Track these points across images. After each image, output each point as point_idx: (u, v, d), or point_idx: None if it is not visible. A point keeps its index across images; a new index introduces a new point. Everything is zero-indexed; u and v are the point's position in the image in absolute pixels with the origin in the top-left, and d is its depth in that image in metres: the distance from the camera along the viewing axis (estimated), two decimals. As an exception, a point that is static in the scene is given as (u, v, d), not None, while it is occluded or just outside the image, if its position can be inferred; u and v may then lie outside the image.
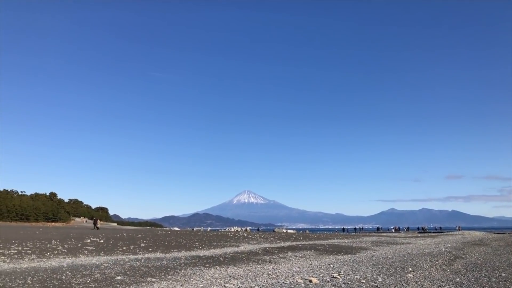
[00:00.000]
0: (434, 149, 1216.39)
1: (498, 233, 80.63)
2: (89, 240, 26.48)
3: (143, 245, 25.24)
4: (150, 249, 22.91)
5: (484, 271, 17.63)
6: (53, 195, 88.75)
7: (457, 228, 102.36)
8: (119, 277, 12.73)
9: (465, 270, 17.69)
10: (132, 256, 19.09)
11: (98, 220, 53.98)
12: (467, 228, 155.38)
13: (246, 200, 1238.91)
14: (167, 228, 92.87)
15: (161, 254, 20.80)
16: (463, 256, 25.04)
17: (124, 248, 22.99)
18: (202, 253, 21.92)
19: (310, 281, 13.23)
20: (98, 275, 13.08)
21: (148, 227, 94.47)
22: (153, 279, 12.77)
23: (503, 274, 16.66)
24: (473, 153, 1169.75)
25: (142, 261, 17.25)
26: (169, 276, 13.47)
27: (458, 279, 14.95)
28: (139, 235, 34.62)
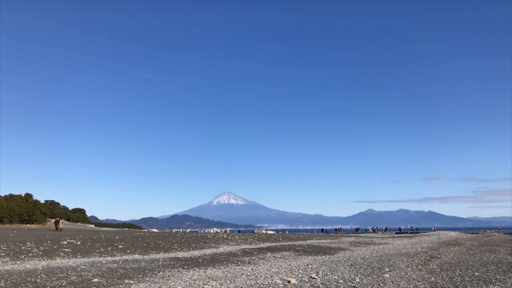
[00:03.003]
0: (411, 151, 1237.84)
1: (472, 233, 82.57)
2: (65, 242, 26.02)
3: (121, 246, 24.95)
4: (128, 251, 22.67)
5: (458, 270, 18.04)
6: (28, 196, 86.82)
7: (433, 228, 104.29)
8: (96, 279, 12.56)
9: (440, 270, 18.06)
10: (109, 258, 18.86)
11: (61, 221, 49.95)
12: (443, 228, 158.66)
13: (226, 201, 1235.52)
14: (146, 230, 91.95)
15: (139, 255, 20.60)
16: (438, 256, 25.55)
17: (102, 250, 22.69)
18: (180, 254, 21.80)
19: (289, 281, 13.31)
20: (75, 277, 12.88)
21: (126, 229, 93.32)
22: (131, 281, 12.65)
23: (476, 273, 17.08)
24: (449, 155, 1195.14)
25: (120, 263, 17.06)
26: (147, 278, 13.36)
27: (433, 279, 15.26)
28: (117, 237, 34.20)
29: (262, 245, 30.86)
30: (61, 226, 47.74)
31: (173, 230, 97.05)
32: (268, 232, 70.15)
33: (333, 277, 14.78)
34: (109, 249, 23.22)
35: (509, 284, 14.54)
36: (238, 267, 17.09)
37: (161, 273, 14.64)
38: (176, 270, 15.58)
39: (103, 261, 17.38)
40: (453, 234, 75.21)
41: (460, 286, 13.73)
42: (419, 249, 30.41)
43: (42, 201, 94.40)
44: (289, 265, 18.50)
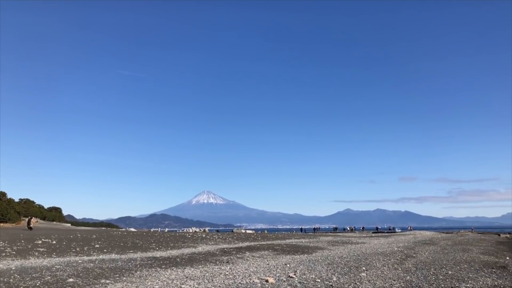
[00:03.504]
0: (388, 152, 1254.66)
1: (446, 233, 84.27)
2: (40, 242, 25.52)
3: (97, 246, 24.61)
4: (105, 250, 22.38)
5: (432, 269, 18.42)
6: (2, 194, 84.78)
7: (409, 228, 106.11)
8: (71, 279, 12.37)
9: (415, 269, 18.41)
10: (85, 258, 18.58)
11: (32, 219, 47.98)
12: (419, 228, 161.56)
13: (205, 201, 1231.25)
14: (123, 229, 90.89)
15: (116, 255, 20.36)
16: (414, 255, 26.01)
17: (78, 249, 22.34)
18: (158, 254, 21.64)
19: (267, 281, 13.37)
20: (49, 277, 12.65)
21: (103, 228, 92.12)
22: (107, 281, 12.50)
23: (450, 272, 17.48)
24: (425, 156, 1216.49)
25: (96, 262, 16.83)
26: (124, 278, 13.23)
27: (408, 277, 15.55)
28: (94, 236, 33.70)
29: (241, 244, 30.87)
30: (31, 225, 46.02)
31: (151, 230, 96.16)
32: (247, 231, 70.19)
33: (311, 276, 14.91)
34: (85, 248, 22.88)
35: (481, 283, 14.94)
36: (216, 267, 17.06)
37: (138, 272, 14.51)
38: (153, 269, 15.47)
39: (79, 261, 17.12)
40: (428, 233, 76.66)
41: (434, 285, 14.03)
42: (395, 249, 30.90)
43: (17, 200, 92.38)
44: (268, 264, 18.57)
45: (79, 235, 35.01)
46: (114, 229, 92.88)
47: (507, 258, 28.60)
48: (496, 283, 15.07)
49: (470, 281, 15.09)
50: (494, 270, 19.36)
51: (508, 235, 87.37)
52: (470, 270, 18.84)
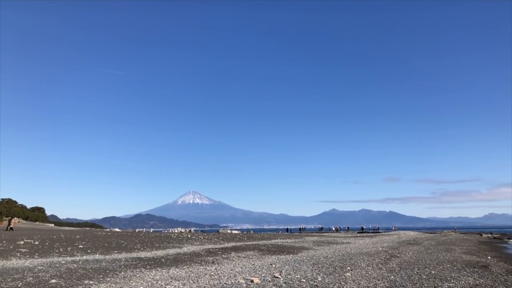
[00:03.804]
0: (373, 153, 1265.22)
1: (430, 233, 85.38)
2: (22, 242, 25.11)
3: (81, 246, 24.32)
4: (88, 251, 22.13)
5: (416, 269, 18.65)
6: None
7: (393, 228, 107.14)
8: (54, 280, 12.20)
9: (399, 268, 18.60)
10: (69, 258, 18.35)
11: (13, 220, 46.18)
12: (403, 228, 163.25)
13: (191, 201, 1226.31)
14: (108, 229, 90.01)
15: (100, 255, 20.15)
16: (398, 255, 26.27)
17: (61, 249, 22.05)
18: (143, 254, 21.48)
19: (252, 281, 13.37)
20: (31, 278, 12.46)
21: (87, 228, 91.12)
22: (91, 282, 12.36)
23: (433, 272, 17.72)
24: (409, 157, 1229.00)
25: (80, 263, 16.64)
26: (108, 279, 13.10)
27: (392, 277, 15.71)
28: (78, 236, 33.30)
29: (226, 244, 30.82)
30: (12, 225, 44.52)
31: (136, 230, 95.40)
32: (233, 231, 70.09)
33: (296, 276, 14.96)
34: (69, 249, 22.59)
35: (463, 282, 15.17)
36: (201, 267, 17.01)
37: (122, 273, 14.39)
38: (138, 270, 15.35)
39: (62, 262, 16.89)
40: (412, 233, 77.54)
41: (417, 284, 14.20)
42: (380, 248, 31.17)
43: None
44: (253, 264, 18.58)
45: (62, 235, 34.56)
46: (99, 229, 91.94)
47: (489, 257, 29.09)
48: (477, 282, 15.31)
49: (452, 281, 15.31)
50: (476, 269, 19.67)
51: (489, 235, 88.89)
52: (453, 269, 19.12)
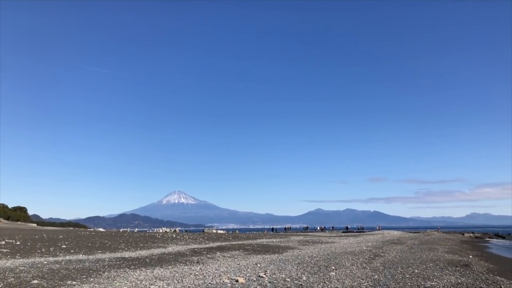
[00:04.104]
0: (358, 153, 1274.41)
1: (413, 233, 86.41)
2: (3, 242, 24.68)
3: (64, 246, 24.00)
4: (72, 251, 21.85)
5: (399, 268, 18.87)
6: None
7: (377, 227, 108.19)
8: (35, 281, 12.02)
9: (383, 268, 18.80)
10: (51, 259, 18.09)
11: None
12: (387, 227, 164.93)
13: (176, 201, 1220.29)
14: (92, 229, 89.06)
15: (83, 255, 19.91)
16: (382, 254, 26.53)
17: (43, 250, 21.72)
18: (127, 254, 21.29)
19: (237, 280, 13.37)
20: (12, 279, 12.25)
21: (71, 228, 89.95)
22: (74, 282, 12.21)
23: (416, 271, 17.95)
24: (393, 158, 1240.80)
25: (63, 263, 16.41)
26: (91, 279, 12.95)
27: (376, 276, 15.86)
28: (61, 236, 32.85)
29: (211, 244, 30.74)
30: None
31: (121, 230, 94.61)
32: (219, 231, 69.99)
33: (281, 275, 15.00)
34: (51, 249, 22.27)
35: (445, 281, 15.39)
36: (186, 267, 16.94)
37: (106, 273, 14.24)
38: (122, 270, 15.21)
39: (44, 262, 16.65)
40: (396, 233, 78.40)
41: (401, 283, 14.36)
42: (364, 248, 31.44)
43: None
44: (238, 264, 18.57)
45: (45, 235, 34.07)
46: (82, 229, 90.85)
47: (470, 256, 29.59)
48: (459, 280, 15.56)
49: (435, 279, 15.53)
50: (458, 268, 20.00)
51: (471, 234, 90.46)
52: (435, 268, 19.40)
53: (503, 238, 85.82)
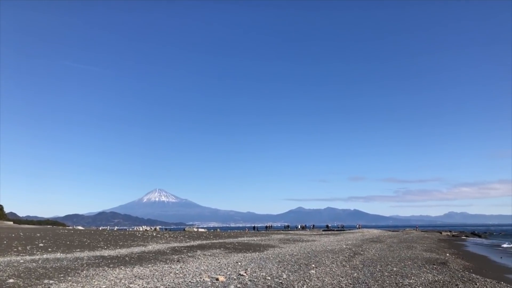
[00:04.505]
0: (339, 152, 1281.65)
1: (393, 231, 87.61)
2: (-22, 241, 24.14)
3: (41, 245, 23.59)
4: (49, 249, 21.49)
5: (378, 266, 19.13)
6: None
7: (357, 226, 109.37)
8: (11, 280, 11.79)
9: (362, 266, 19.02)
10: (28, 257, 17.77)
11: None
12: (367, 226, 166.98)
13: (157, 199, 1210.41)
14: (70, 227, 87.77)
15: (61, 254, 19.61)
16: (361, 252, 26.85)
17: (20, 248, 21.31)
18: (107, 253, 21.06)
19: (217, 279, 13.35)
20: (-13, 278, 11.99)
21: (49, 226, 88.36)
22: (51, 281, 12.02)
23: (395, 269, 18.23)
24: (373, 157, 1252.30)
25: (40, 262, 16.14)
26: (69, 278, 12.76)
27: (355, 274, 16.05)
28: (38, 234, 32.28)
29: (192, 243, 30.63)
30: None
31: (100, 228, 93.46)
32: (200, 230, 69.72)
33: (261, 274, 15.04)
34: (28, 247, 21.87)
35: (422, 278, 15.68)
36: (166, 265, 16.84)
37: (84, 272, 14.06)
38: (101, 268, 15.04)
39: (21, 261, 16.34)
40: (376, 231, 79.38)
41: (379, 281, 14.56)
42: (344, 246, 31.75)
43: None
44: (219, 262, 18.55)
45: (21, 233, 33.42)
46: (61, 227, 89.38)
47: (447, 254, 30.18)
48: (436, 278, 15.87)
49: (413, 277, 15.79)
50: (435, 266, 20.38)
51: (449, 233, 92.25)
52: (413, 266, 19.74)
53: (479, 236, 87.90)
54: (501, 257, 32.85)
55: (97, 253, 20.88)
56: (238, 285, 12.60)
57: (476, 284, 14.96)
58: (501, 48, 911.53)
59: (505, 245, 53.94)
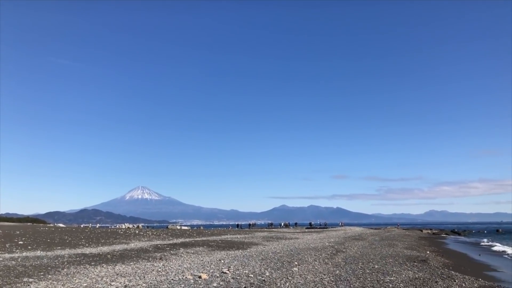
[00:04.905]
0: (322, 151, 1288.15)
1: (374, 229, 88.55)
2: (-45, 238, 23.64)
3: (21, 242, 23.21)
4: (29, 247, 21.16)
5: (360, 263, 19.33)
6: None
7: (340, 224, 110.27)
8: (-11, 278, 11.58)
9: (344, 263, 19.20)
10: (7, 255, 17.47)
11: None
12: (349, 224, 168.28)
13: (139, 196, 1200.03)
14: (51, 225, 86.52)
15: (41, 252, 19.33)
16: (343, 250, 27.09)
17: (-2, 246, 20.94)
18: (88, 250, 20.83)
19: (200, 277, 13.33)
20: (-36, 276, 11.76)
21: (29, 223, 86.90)
22: (31, 279, 11.84)
23: (376, 266, 18.45)
24: (356, 155, 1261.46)
25: (19, 260, 15.88)
26: (49, 276, 12.59)
27: (337, 272, 16.20)
28: (17, 232, 31.73)
29: (175, 240, 30.48)
30: None
31: (82, 225, 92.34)
32: (183, 227, 69.40)
33: (244, 271, 15.06)
34: (7, 245, 21.49)
35: (403, 275, 15.91)
36: (149, 263, 16.74)
37: (65, 270, 13.89)
38: (82, 266, 14.87)
39: (0, 259, 16.07)
40: (358, 229, 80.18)
41: (361, 278, 14.72)
42: (327, 244, 31.99)
43: None
44: (202, 260, 18.52)
45: (0, 231, 32.85)
46: (41, 224, 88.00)
47: (428, 252, 30.65)
48: (417, 275, 16.12)
49: (394, 274, 16.02)
50: (415, 263, 20.69)
51: (429, 231, 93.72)
52: (395, 264, 20.00)
53: (459, 234, 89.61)
54: (480, 255, 33.53)
55: (79, 251, 20.65)
56: (221, 283, 12.60)
57: (455, 281, 15.25)
58: (481, 45, 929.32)
59: (484, 243, 55.09)
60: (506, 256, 34.51)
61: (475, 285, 15.05)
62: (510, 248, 43.93)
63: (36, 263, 15.19)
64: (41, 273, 12.95)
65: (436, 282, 14.80)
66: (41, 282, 11.55)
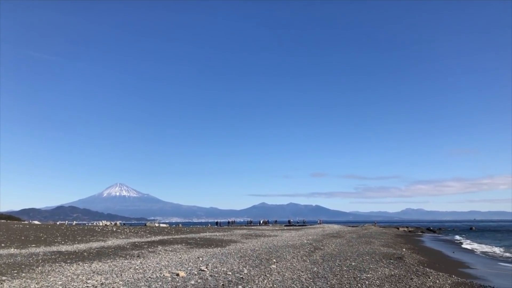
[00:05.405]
0: (301, 149, 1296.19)
1: (352, 227, 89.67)
2: None
3: (-6, 240, 22.68)
4: (2, 245, 20.68)
5: (338, 261, 19.56)
6: None
7: (318, 221, 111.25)
8: (-40, 277, 11.29)
9: (322, 260, 19.40)
10: (-21, 253, 17.05)
11: None
12: (328, 221, 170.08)
13: (117, 193, 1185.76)
14: (26, 222, 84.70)
15: (15, 250, 18.92)
16: (321, 247, 27.35)
17: (-30, 244, 20.41)
18: (64, 248, 20.49)
19: (177, 274, 13.27)
20: None
21: (2, 220, 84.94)
22: (4, 278, 11.59)
23: (353, 263, 18.68)
24: (335, 153, 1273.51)
25: (-8, 258, 15.52)
26: (23, 274, 12.35)
27: (315, 269, 16.36)
28: (-10, 230, 31.01)
29: (153, 238, 30.24)
30: None
31: (58, 223, 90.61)
32: (161, 225, 68.87)
33: (222, 269, 15.07)
34: (-21, 243, 20.98)
35: (379, 272, 16.16)
36: (126, 261, 16.57)
37: (40, 268, 13.63)
38: (57, 264, 14.62)
39: (-29, 256, 15.67)
40: (336, 227, 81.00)
41: (338, 275, 14.90)
42: (305, 241, 32.23)
43: None
44: (180, 258, 18.43)
45: (-28, 228, 32.01)
46: (15, 221, 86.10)
47: (404, 249, 31.18)
48: (393, 272, 16.40)
49: (370, 272, 16.25)
50: (392, 261, 21.03)
51: (406, 229, 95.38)
52: (371, 261, 20.29)
53: (434, 232, 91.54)
54: (453, 252, 34.34)
55: (54, 248, 20.29)
56: (199, 280, 12.58)
57: (430, 278, 15.58)
58: (456, 44, 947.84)
59: (458, 241, 56.39)
60: (478, 253, 35.46)
61: (449, 281, 15.40)
62: (482, 245, 45.12)
63: (9, 261, 14.86)
64: (15, 271, 12.69)
65: (411, 279, 15.09)
66: (14, 281, 11.31)
